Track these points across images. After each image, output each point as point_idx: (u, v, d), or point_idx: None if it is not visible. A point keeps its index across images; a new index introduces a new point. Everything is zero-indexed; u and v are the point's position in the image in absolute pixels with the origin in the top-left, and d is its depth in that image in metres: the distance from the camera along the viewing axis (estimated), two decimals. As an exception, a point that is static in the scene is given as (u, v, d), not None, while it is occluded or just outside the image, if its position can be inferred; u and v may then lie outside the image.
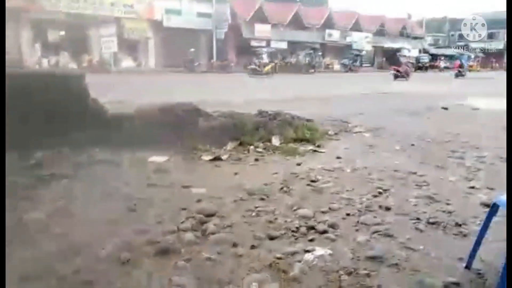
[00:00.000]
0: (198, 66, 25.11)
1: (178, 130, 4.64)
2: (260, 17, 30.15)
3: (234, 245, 2.35)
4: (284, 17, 31.90)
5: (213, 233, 2.48)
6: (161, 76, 20.46)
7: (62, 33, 23.83)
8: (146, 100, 6.30)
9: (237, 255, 2.25)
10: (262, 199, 3.14)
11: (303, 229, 2.60)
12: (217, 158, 4.22)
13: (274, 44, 30.72)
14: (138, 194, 3.09)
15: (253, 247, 2.35)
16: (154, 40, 26.79)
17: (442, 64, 38.61)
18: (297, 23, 32.81)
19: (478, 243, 2.20)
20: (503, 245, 1.94)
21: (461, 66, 26.60)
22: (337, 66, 33.44)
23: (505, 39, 50.53)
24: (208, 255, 2.23)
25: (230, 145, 4.71)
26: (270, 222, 2.71)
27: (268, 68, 23.13)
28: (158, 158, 4.09)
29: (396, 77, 20.88)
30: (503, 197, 2.01)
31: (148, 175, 3.59)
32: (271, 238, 2.48)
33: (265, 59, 25.34)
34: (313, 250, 2.33)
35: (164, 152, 4.30)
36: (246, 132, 4.93)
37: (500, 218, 2.73)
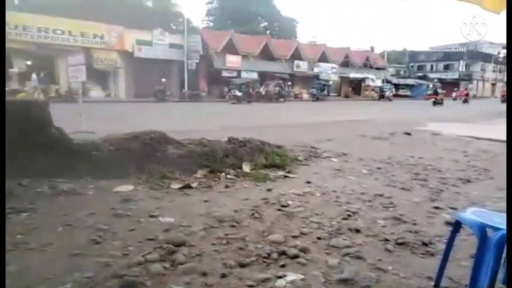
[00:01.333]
0: (169, 95, 25.08)
1: (146, 158, 4.56)
2: (231, 48, 30.83)
3: (204, 274, 2.28)
4: (254, 48, 32.79)
5: (181, 263, 2.40)
6: (131, 105, 20.22)
7: (29, 62, 23.25)
8: (113, 129, 6.17)
9: (206, 285, 2.18)
10: (233, 226, 3.09)
11: (274, 255, 2.57)
12: (186, 186, 4.15)
13: (244, 75, 31.33)
14: (103, 225, 2.96)
15: (223, 276, 2.28)
16: (124, 70, 26.65)
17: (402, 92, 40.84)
18: (266, 54, 33.78)
19: (444, 261, 2.24)
20: (469, 262, 2.00)
21: (436, 94, 27.83)
22: (306, 95, 34.37)
23: (460, 70, 54.27)
24: (176, 286, 2.15)
25: (200, 173, 4.66)
26: (241, 249, 2.66)
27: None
28: (124, 188, 3.96)
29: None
30: (464, 214, 2.08)
31: (114, 205, 3.46)
32: (242, 265, 2.43)
33: (239, 88, 25.80)
34: (284, 275, 2.30)
35: (131, 181, 4.19)
36: (216, 159, 4.91)
37: (465, 236, 2.83)
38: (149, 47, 27.25)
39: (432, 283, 2.26)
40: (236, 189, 4.26)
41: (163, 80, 24.99)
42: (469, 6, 2.87)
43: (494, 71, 58.82)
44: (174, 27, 34.62)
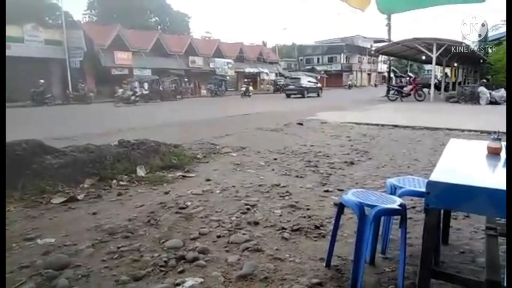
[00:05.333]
0: (50, 98, 22.36)
1: (19, 173, 3.94)
2: (120, 44, 28.79)
3: (91, 297, 2.05)
4: (145, 44, 31.19)
5: (64, 289, 2.11)
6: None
7: None
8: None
9: (95, 308, 1.95)
10: (126, 237, 2.86)
11: (172, 262, 2.44)
12: (71, 199, 3.71)
13: (137, 72, 29.66)
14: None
15: (115, 294, 2.08)
16: (-10, 72, 22.88)
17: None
18: (159, 50, 32.47)
19: (332, 242, 2.40)
20: (354, 239, 2.16)
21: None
22: (204, 91, 34.19)
23: (342, 63, 60.14)
24: (57, 316, 1.88)
25: (87, 182, 4.22)
26: (135, 261, 2.47)
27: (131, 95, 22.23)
28: (-10, 210, 3.36)
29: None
30: (345, 196, 2.24)
31: (-24, 233, 2.90)
32: (137, 279, 2.25)
33: (137, 87, 24.20)
34: (183, 282, 2.19)
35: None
36: (105, 166, 4.51)
37: (351, 215, 3.09)
38: (20, 44, 23.80)
39: (324, 264, 2.40)
40: (130, 196, 3.97)
41: (41, 81, 22.17)
42: (338, 2, 3.11)
43: (369, 62, 66.61)
44: (50, 22, 30.87)
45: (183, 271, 2.34)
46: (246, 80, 34.14)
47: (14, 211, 3.45)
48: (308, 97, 27.41)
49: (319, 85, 31.66)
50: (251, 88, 31.07)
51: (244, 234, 2.89)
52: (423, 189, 1.75)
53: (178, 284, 2.17)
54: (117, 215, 3.34)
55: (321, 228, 3.02)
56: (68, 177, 4.16)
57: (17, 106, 20.59)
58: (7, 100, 22.25)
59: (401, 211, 2.11)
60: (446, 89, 24.59)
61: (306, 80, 30.00)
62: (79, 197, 3.80)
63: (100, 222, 3.15)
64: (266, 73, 44.95)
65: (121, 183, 4.36)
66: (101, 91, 27.55)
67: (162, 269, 2.36)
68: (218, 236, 2.87)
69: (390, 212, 2.21)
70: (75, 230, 2.99)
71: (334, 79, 56.63)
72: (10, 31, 23.42)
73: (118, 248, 2.65)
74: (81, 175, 4.30)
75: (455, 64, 27.07)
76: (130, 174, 4.61)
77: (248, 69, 42.57)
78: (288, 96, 27.67)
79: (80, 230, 3.00)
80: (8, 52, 23.12)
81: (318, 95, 29.21)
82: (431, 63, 22.43)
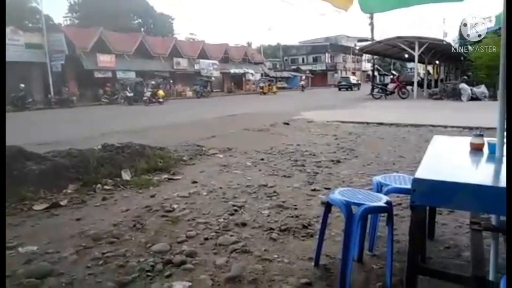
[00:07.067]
0: (31, 103, 21.87)
1: (-2, 179, 3.82)
2: (102, 47, 28.33)
3: (75, 305, 1.99)
4: (128, 46, 30.77)
5: (47, 298, 2.05)
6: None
7: None
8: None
9: (79, 317, 1.90)
10: (111, 242, 2.80)
11: (159, 266, 2.40)
12: (53, 205, 3.62)
13: (121, 74, 29.25)
14: None
15: (100, 301, 2.03)
16: (-33, 77, 22.20)
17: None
18: (143, 52, 32.08)
19: (320, 241, 2.40)
20: (342, 237, 2.16)
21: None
22: (189, 93, 33.95)
23: (326, 62, 60.62)
24: (40, 327, 1.82)
25: (71, 188, 4.13)
26: (121, 266, 2.42)
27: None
28: (-32, 219, 3.24)
29: None
30: (332, 195, 2.24)
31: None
32: (122, 285, 2.21)
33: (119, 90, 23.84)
34: (170, 287, 2.16)
35: (-22, 209, 3.46)
36: (89, 170, 4.42)
37: (338, 213, 3.09)
38: (-1, 47, 23.20)
39: (313, 263, 2.40)
40: (115, 200, 3.90)
41: (22, 85, 21.68)
42: (321, 3, 3.10)
43: (353, 61, 67.29)
44: (30, 25, 30.22)
45: (170, 275, 2.30)
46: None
47: (-6, 219, 3.34)
48: (353, 90, 37.62)
49: (359, 81, 42.92)
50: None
51: (232, 235, 2.86)
52: (409, 186, 1.75)
53: (165, 289, 2.13)
54: (101, 220, 3.27)
55: (309, 227, 3.01)
56: (50, 183, 4.05)
57: (-3, 111, 20.00)
58: (-14, 105, 21.72)
59: (388, 208, 2.12)
60: (429, 86, 25.05)
61: (352, 78, 43.41)
62: (62, 203, 3.71)
63: (84, 228, 3.08)
64: (252, 74, 44.90)
65: (106, 187, 4.27)
66: (84, 94, 27.11)
67: (149, 274, 2.32)
68: (206, 239, 2.84)
69: (377, 210, 2.22)
70: (58, 237, 2.91)
71: (319, 79, 56.99)
72: (-12, 34, 22.78)
73: (103, 254, 2.59)
74: (64, 181, 4.21)
75: (437, 62, 27.59)
76: (115, 178, 4.53)
77: (234, 70, 42.47)
78: (340, 89, 38.64)
79: (64, 236, 2.92)
80: (-14, 56, 22.50)
81: (358, 89, 38.89)
82: (413, 61, 22.82)
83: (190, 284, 2.19)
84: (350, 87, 39.26)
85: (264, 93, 34.11)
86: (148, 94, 23.42)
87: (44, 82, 25.14)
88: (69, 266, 2.45)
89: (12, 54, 23.68)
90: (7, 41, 23.75)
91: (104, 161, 4.69)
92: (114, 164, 4.74)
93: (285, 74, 51.94)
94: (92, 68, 27.69)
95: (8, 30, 23.96)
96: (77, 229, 3.06)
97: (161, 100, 23.49)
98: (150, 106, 21.66)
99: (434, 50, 20.59)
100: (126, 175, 4.61)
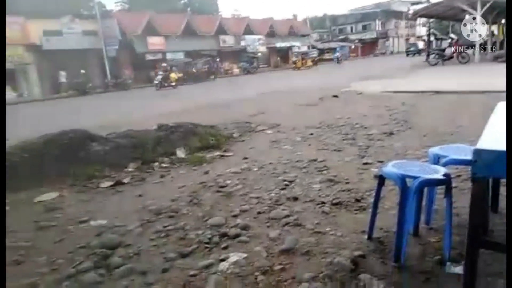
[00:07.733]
0: (91, 87, 23.37)
1: (69, 160, 4.20)
2: (151, 30, 29.25)
3: (143, 273, 2.17)
4: (176, 28, 31.44)
5: (118, 267, 2.26)
6: (50, 103, 18.52)
7: None
8: (27, 133, 5.58)
9: (147, 284, 2.08)
10: (171, 216, 2.99)
11: (215, 239, 2.53)
12: (117, 183, 3.91)
13: (170, 56, 30.11)
14: (24, 243, 2.68)
15: (164, 270, 2.19)
16: (35, 66, 24.12)
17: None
18: (190, 32, 32.61)
19: (374, 214, 2.37)
20: (396, 211, 2.13)
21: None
22: (236, 70, 34.16)
23: (377, 30, 57.42)
24: (114, 291, 2.02)
25: (131, 166, 4.42)
26: (181, 239, 2.59)
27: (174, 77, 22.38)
28: (47, 196, 3.62)
29: None
30: (386, 168, 2.19)
31: (37, 218, 3.15)
32: (183, 255, 2.36)
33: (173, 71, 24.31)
34: (227, 257, 2.27)
35: (54, 188, 3.84)
36: (147, 150, 4.69)
37: (392, 186, 3.02)
38: (59, 37, 24.81)
39: (366, 236, 2.39)
40: (172, 177, 4.12)
41: (82, 71, 23.17)
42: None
43: (406, 27, 63.09)
44: (85, 13, 31.83)
45: (226, 247, 2.41)
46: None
47: (67, 196, 3.69)
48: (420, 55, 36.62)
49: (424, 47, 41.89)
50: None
51: (284, 209, 2.92)
52: (469, 157, 1.66)
53: (223, 260, 2.25)
54: (161, 196, 3.49)
55: (362, 201, 2.98)
56: (113, 162, 4.38)
57: (62, 98, 21.71)
58: (55, 91, 23.56)
59: (446, 181, 2.03)
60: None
61: (419, 44, 46.59)
62: (124, 181, 4.00)
63: (146, 203, 3.31)
64: (298, 47, 43.92)
65: (163, 165, 4.52)
66: (138, 76, 28.35)
67: (207, 246, 2.45)
68: (259, 213, 2.92)
69: (434, 183, 2.14)
70: (124, 212, 3.16)
71: (369, 47, 54.35)
72: (49, 25, 24.44)
73: (164, 227, 2.78)
74: (125, 160, 4.51)
75: (502, 21, 24.97)
76: (171, 156, 4.76)
77: (280, 44, 41.81)
78: (407, 55, 42.14)
79: (128, 211, 3.17)
80: (49, 46, 24.25)
81: (420, 54, 39.67)
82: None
83: (246, 255, 2.29)
84: (418, 52, 41.33)
85: (298, 68, 31.58)
86: (159, 77, 21.68)
87: (101, 67, 26.63)
88: (135, 238, 2.66)
89: (72, 42, 25.28)
90: (66, 30, 25.35)
91: (160, 141, 4.94)
92: (169, 143, 4.98)
93: (333, 44, 50.08)
94: (143, 51, 28.76)
95: (65, 19, 25.48)
96: (139, 204, 3.30)
97: (173, 83, 21.79)
98: (199, 84, 21.91)
99: (499, 9, 18.59)
100: (180, 153, 4.83)
